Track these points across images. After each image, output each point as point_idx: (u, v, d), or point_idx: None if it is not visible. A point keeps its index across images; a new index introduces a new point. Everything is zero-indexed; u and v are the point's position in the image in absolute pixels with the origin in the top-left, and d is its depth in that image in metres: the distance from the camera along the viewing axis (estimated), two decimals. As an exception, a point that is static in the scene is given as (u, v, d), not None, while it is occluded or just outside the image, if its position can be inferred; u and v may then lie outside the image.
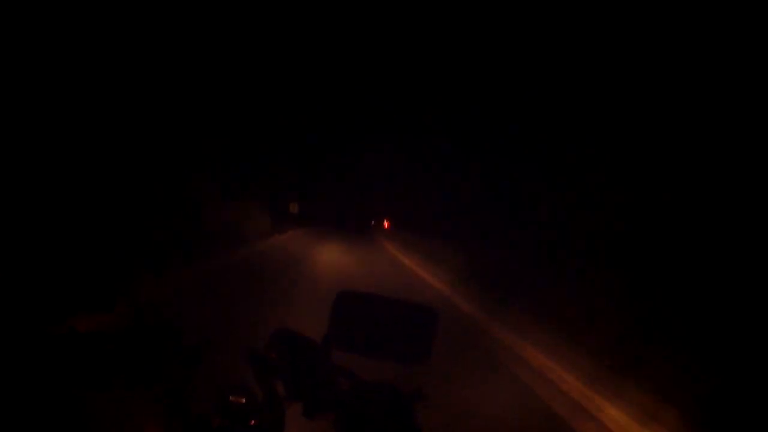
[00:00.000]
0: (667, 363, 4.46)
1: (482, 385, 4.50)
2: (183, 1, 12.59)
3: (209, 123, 15.35)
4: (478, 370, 4.92)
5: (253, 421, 0.88)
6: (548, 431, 3.73)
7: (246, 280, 9.70)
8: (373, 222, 55.53)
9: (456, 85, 18.00)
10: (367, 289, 0.95)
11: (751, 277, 5.35)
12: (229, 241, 13.51)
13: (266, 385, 0.91)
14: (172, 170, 12.58)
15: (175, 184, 12.53)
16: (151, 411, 0.87)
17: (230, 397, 0.89)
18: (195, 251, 10.49)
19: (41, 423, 0.80)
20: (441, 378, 4.33)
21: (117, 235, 8.89)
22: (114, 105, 10.29)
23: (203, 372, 0.92)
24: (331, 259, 14.60)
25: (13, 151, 7.73)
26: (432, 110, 21.04)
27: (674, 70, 7.78)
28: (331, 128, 41.20)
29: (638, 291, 6.23)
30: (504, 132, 14.50)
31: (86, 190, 8.97)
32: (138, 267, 7.87)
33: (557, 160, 11.20)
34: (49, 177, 8.34)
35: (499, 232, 13.51)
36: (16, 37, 7.85)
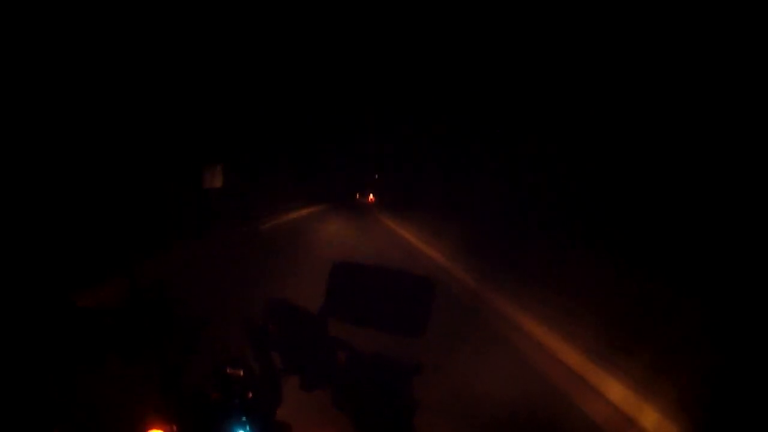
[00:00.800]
0: (663, 337, 4.48)
1: (480, 356, 4.54)
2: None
3: (215, 117, 15.48)
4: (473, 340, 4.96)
5: (250, 394, 0.88)
6: (548, 405, 3.75)
7: (249, 253, 9.78)
8: (357, 195, 64.53)
9: (452, 69, 18.00)
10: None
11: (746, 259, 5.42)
12: (235, 219, 13.70)
13: (263, 358, 0.90)
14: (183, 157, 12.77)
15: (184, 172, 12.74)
16: (148, 385, 0.87)
17: (227, 370, 0.89)
18: (202, 226, 10.66)
19: (37, 396, 0.79)
20: (439, 350, 4.37)
21: (123, 212, 8.92)
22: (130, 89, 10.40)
23: (200, 345, 0.91)
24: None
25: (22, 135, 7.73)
26: (429, 95, 21.09)
27: (673, 70, 7.83)
28: (328, 116, 41.82)
29: (636, 268, 6.27)
30: (502, 118, 14.54)
31: (95, 172, 9.01)
32: (143, 242, 7.91)
33: (555, 145, 11.27)
34: (54, 158, 8.34)
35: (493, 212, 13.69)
36: (20, 38, 7.78)
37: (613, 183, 8.94)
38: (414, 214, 19.86)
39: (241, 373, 0.89)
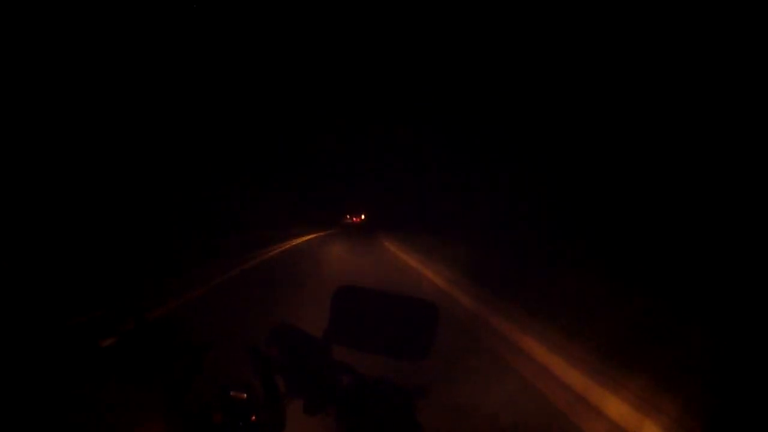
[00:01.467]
0: (664, 359, 4.46)
1: (482, 378, 4.51)
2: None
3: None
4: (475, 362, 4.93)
5: (254, 417, 0.88)
6: (551, 426, 3.72)
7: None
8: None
9: (449, 82, 18.19)
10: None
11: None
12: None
13: (267, 382, 0.91)
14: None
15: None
16: (151, 407, 0.87)
17: (231, 393, 0.89)
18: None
19: (42, 418, 0.80)
20: (442, 373, 4.35)
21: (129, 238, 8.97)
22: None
23: (204, 368, 0.91)
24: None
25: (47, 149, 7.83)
26: (423, 107, 21.32)
27: (672, 71, 7.86)
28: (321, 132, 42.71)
29: (635, 290, 6.25)
30: (499, 129, 14.65)
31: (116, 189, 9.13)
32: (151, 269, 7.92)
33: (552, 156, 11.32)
34: (68, 176, 8.43)
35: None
36: (36, 40, 7.90)
37: (611, 192, 8.94)
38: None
39: (245, 396, 0.89)
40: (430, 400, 0.85)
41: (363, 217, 69.55)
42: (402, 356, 0.88)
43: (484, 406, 3.84)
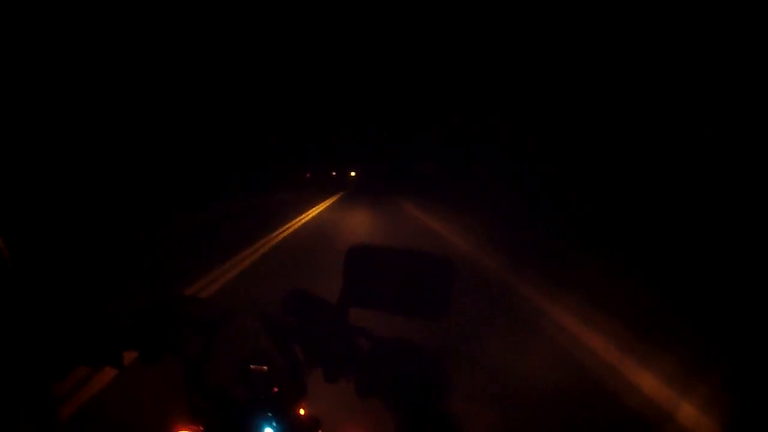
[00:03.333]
0: (688, 327, 4.45)
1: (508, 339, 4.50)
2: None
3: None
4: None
5: (276, 389, 0.87)
6: (577, 387, 3.69)
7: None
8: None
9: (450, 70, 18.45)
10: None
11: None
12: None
13: (286, 352, 0.89)
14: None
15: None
16: (171, 385, 0.86)
17: (251, 367, 0.88)
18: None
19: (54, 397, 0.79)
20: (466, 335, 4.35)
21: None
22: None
23: (222, 342, 0.90)
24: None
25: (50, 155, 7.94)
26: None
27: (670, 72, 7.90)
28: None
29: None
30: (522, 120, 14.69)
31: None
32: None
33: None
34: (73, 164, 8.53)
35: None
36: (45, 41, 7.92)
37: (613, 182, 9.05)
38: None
39: (265, 368, 0.88)
40: (453, 361, 0.83)
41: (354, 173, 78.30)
42: (421, 315, 0.85)
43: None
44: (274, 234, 11.20)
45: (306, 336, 0.88)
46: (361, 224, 15.15)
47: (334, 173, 74.96)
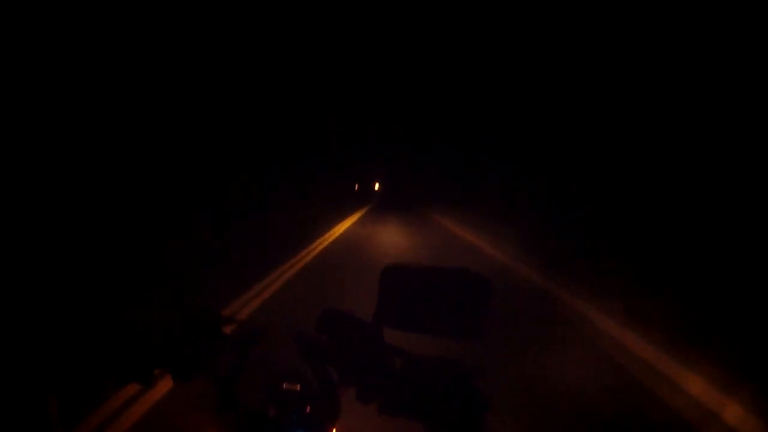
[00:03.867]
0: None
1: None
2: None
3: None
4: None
5: (309, 408, 0.85)
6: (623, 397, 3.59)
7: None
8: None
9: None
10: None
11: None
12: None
13: (319, 371, 0.87)
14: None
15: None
16: (203, 403, 0.85)
17: (284, 385, 0.87)
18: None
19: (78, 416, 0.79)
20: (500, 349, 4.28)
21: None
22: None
23: (254, 360, 0.89)
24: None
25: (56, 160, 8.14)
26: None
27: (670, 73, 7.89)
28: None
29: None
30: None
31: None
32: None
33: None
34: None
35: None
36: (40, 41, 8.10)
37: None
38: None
39: (298, 387, 0.86)
40: (491, 379, 0.80)
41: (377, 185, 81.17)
42: (456, 336, 0.82)
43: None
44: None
45: (340, 355, 0.86)
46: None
47: (357, 186, 72.24)
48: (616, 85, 9.84)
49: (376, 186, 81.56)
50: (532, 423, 3.13)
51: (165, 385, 2.80)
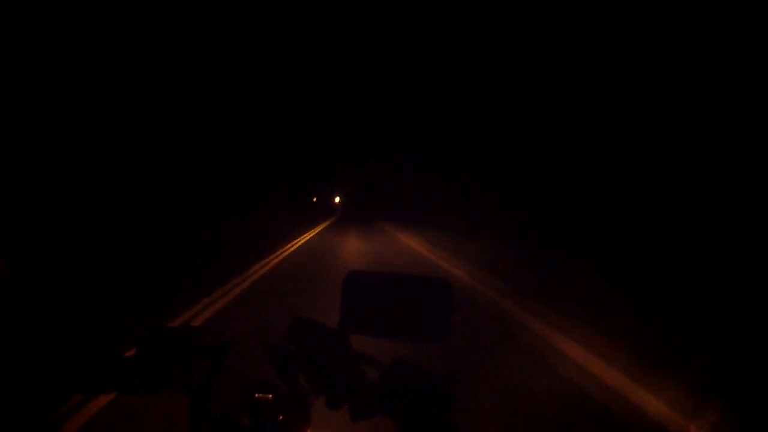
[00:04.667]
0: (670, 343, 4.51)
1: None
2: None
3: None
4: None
5: (281, 417, 0.86)
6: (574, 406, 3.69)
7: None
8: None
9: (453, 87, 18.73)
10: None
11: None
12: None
13: (289, 379, 0.89)
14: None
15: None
16: (174, 413, 0.86)
17: (256, 395, 0.88)
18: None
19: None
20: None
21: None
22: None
23: (225, 371, 0.90)
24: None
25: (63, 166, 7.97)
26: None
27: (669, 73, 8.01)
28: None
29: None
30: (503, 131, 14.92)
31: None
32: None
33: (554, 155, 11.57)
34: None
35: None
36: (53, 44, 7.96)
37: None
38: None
39: (270, 396, 0.88)
40: (458, 383, 0.82)
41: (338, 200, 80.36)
42: (420, 338, 0.84)
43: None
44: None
45: (309, 363, 0.88)
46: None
47: (315, 199, 69.52)
48: (611, 88, 9.94)
49: (336, 200, 78.91)
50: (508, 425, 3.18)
51: (139, 398, 2.75)
